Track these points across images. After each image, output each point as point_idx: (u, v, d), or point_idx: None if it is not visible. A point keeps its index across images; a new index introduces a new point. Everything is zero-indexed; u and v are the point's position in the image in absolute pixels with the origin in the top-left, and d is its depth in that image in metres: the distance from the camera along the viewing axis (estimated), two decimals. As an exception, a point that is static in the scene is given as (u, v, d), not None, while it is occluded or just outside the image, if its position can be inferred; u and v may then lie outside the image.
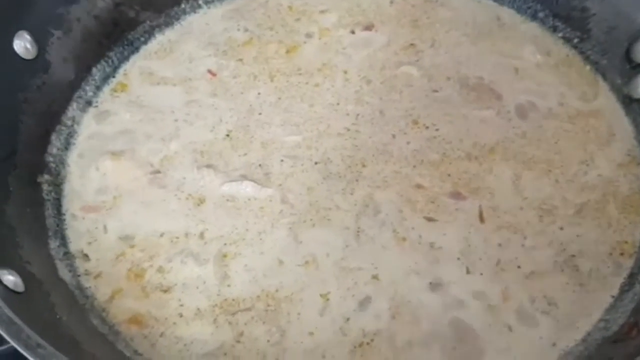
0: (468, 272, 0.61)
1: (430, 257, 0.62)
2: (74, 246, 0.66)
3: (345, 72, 0.74)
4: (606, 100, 0.72)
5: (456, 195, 0.65)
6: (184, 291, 0.62)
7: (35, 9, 0.71)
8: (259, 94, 0.73)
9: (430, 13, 0.79)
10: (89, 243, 0.66)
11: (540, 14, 0.77)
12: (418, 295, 0.60)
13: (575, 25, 0.75)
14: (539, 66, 0.73)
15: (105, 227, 0.66)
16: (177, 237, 0.65)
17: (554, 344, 0.58)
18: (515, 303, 0.60)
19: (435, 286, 0.61)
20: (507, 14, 0.78)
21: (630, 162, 0.67)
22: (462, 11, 0.79)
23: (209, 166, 0.69)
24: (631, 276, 0.61)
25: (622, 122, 0.70)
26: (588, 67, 0.74)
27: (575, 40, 0.75)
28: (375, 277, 0.61)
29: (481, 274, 0.61)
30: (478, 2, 0.79)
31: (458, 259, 0.62)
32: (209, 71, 0.76)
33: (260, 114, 0.72)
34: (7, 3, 0.69)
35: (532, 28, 0.77)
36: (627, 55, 0.72)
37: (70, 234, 0.66)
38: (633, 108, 0.70)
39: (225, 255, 0.63)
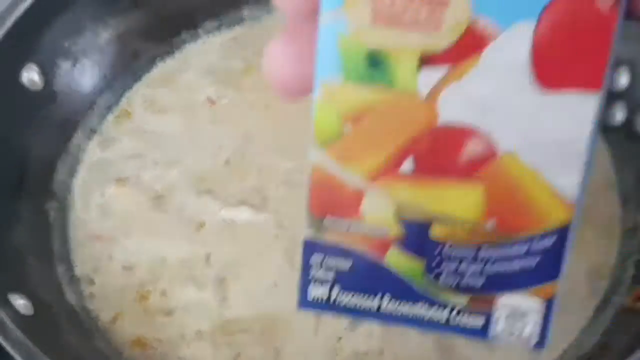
0: None
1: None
2: (79, 270, 0.69)
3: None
4: (583, 128, 0.75)
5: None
6: (186, 314, 0.65)
7: (43, 42, 0.74)
8: (255, 122, 0.77)
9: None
10: (94, 268, 0.68)
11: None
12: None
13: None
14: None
15: (110, 252, 0.69)
16: (179, 261, 0.68)
17: (534, 362, 0.61)
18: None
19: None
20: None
21: (605, 187, 0.70)
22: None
23: (208, 192, 0.72)
24: (605, 298, 0.64)
25: (599, 149, 0.73)
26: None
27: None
28: (367, 296, 0.64)
29: (464, 295, 0.64)
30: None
31: None
32: (209, 99, 0.79)
33: (257, 141, 0.75)
34: (16, 37, 0.71)
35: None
36: (605, 84, 0.75)
37: (76, 258, 0.69)
38: (609, 136, 0.73)
39: (224, 278, 0.66)
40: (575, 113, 0.32)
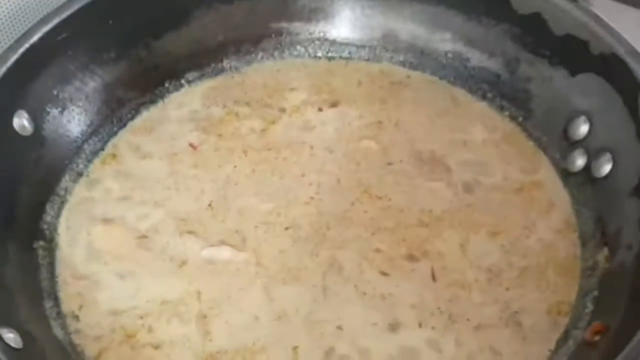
0: (420, 325, 0.68)
1: (388, 309, 0.69)
2: (66, 307, 0.71)
3: (311, 147, 0.82)
4: (547, 173, 0.79)
5: (410, 258, 0.72)
6: (172, 348, 0.67)
7: (33, 90, 0.77)
8: (235, 166, 0.80)
9: (396, 94, 0.87)
10: (80, 305, 0.71)
11: (489, 95, 0.85)
12: (377, 342, 0.67)
13: (520, 105, 0.83)
14: (485, 142, 0.81)
15: (95, 290, 0.72)
16: (163, 298, 0.71)
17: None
18: (466, 352, 0.67)
19: (394, 327, 0.68)
20: (461, 93, 0.86)
21: (566, 229, 0.75)
22: (424, 92, 0.87)
23: (190, 232, 0.75)
24: (566, 332, 0.68)
25: (561, 193, 0.78)
26: (531, 143, 0.82)
27: (520, 119, 0.83)
28: (339, 327, 0.68)
29: (433, 327, 0.68)
30: (436, 84, 0.88)
31: (413, 309, 0.69)
32: (191, 144, 0.83)
33: (236, 184, 0.79)
34: (8, 86, 0.74)
35: (482, 107, 0.85)
36: (565, 133, 0.79)
37: (62, 296, 0.72)
38: (570, 181, 0.78)
39: (206, 313, 0.69)
40: None
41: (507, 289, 0.70)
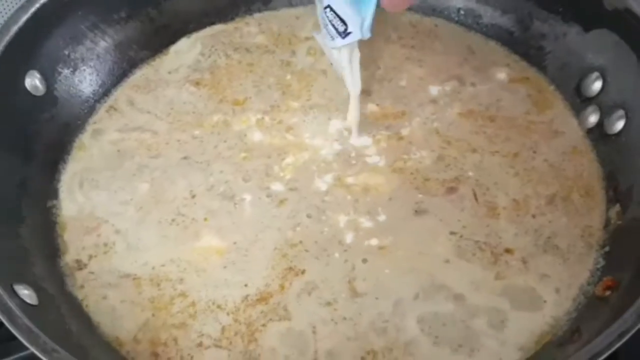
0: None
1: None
2: (80, 263, 0.72)
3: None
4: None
5: (450, 190, 0.74)
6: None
7: (44, 50, 0.78)
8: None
9: (425, 42, 0.87)
10: (96, 261, 0.72)
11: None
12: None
13: (533, 61, 0.83)
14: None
15: (109, 245, 0.72)
16: (176, 248, 0.72)
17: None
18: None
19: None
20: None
21: (582, 152, 0.77)
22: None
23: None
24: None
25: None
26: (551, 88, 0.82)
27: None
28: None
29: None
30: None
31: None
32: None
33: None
34: (19, 45, 0.75)
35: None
36: (578, 89, 0.79)
37: (76, 252, 0.72)
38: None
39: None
40: None
41: (534, 217, 0.72)
